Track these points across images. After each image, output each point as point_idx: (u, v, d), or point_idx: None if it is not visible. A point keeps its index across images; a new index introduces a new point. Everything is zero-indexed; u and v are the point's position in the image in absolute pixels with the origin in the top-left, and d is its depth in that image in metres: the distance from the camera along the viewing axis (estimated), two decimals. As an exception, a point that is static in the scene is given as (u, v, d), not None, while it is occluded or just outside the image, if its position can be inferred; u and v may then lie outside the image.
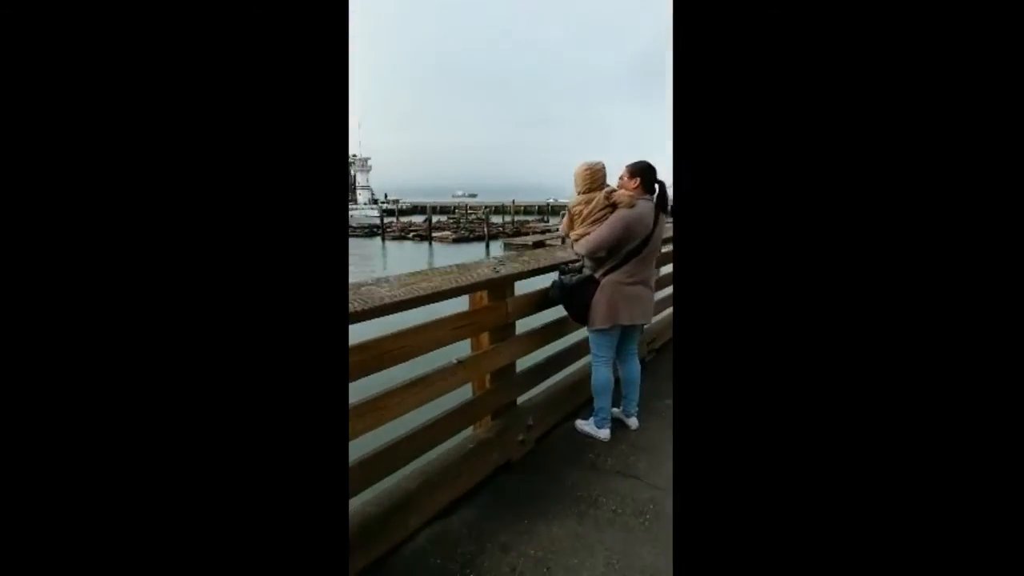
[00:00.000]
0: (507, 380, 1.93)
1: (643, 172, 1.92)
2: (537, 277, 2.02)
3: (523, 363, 2.03)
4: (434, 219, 29.66)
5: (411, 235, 26.95)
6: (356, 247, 24.60)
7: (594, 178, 1.92)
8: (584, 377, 2.25)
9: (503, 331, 1.88)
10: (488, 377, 1.87)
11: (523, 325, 1.99)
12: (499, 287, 1.84)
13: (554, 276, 2.05)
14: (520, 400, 2.04)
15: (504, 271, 1.85)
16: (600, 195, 1.88)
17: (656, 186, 1.90)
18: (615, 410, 2.17)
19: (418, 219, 33.95)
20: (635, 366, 2.11)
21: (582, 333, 2.13)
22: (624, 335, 2.05)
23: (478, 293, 1.82)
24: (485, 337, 1.85)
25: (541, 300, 2.02)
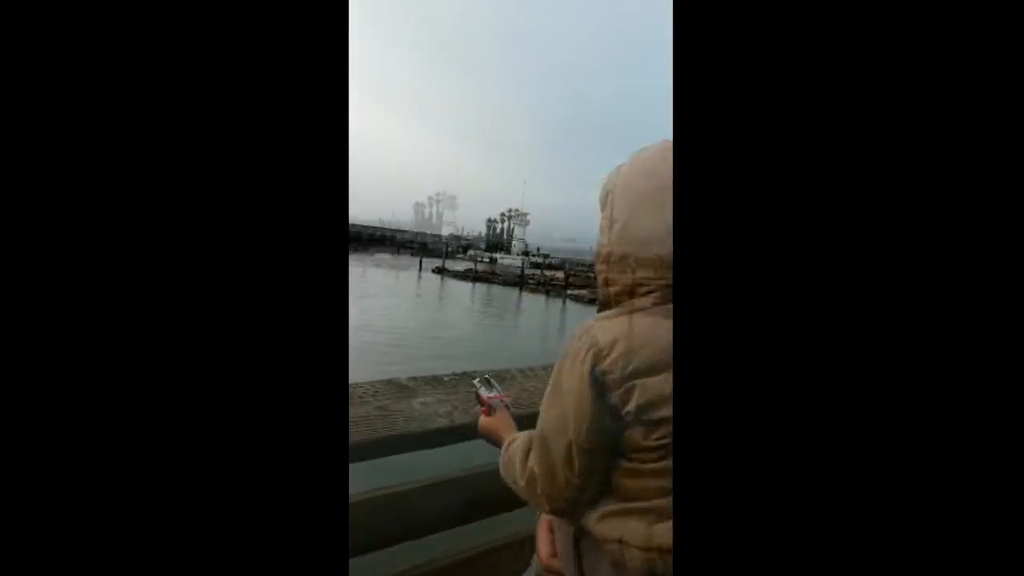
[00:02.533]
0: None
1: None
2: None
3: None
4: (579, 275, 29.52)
5: (549, 291, 26.92)
6: (495, 293, 25.63)
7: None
8: None
9: None
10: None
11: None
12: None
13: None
14: None
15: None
16: None
17: None
18: None
19: (562, 274, 34.00)
20: None
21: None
22: None
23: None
24: None
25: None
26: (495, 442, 0.77)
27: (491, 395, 0.83)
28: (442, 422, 0.88)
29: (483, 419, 0.80)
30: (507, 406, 0.82)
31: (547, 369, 1.22)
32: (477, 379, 0.88)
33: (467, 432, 0.88)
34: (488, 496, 0.92)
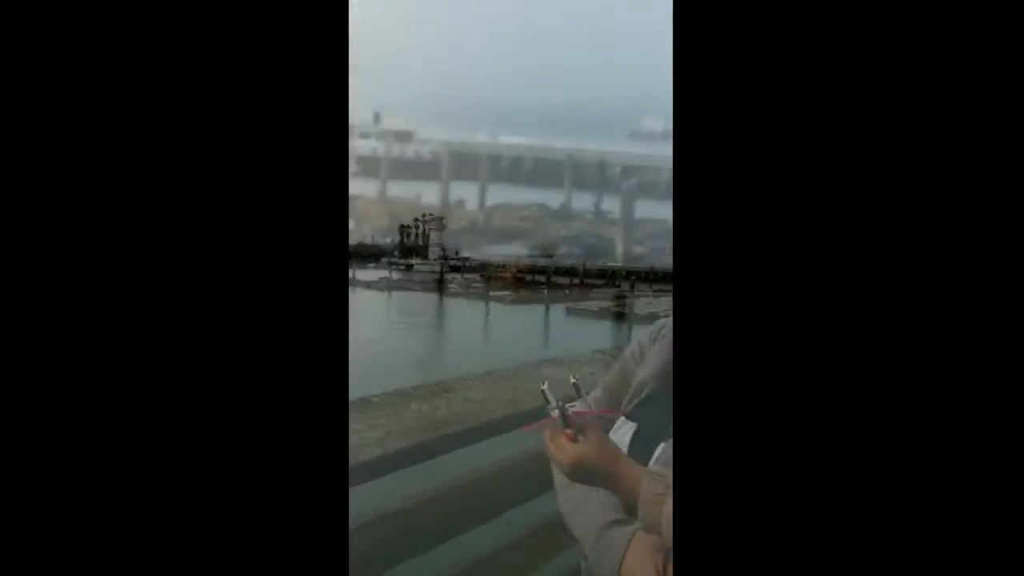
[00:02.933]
0: None
1: None
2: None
3: None
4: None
5: (471, 292, 26.93)
6: (412, 300, 25.01)
7: None
8: None
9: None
10: None
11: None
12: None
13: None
14: None
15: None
16: None
17: None
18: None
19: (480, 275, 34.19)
20: None
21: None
22: None
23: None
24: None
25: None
26: (607, 485, 0.49)
27: (577, 408, 0.50)
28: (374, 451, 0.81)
29: (572, 449, 0.48)
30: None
31: (489, 377, 1.19)
32: (546, 384, 0.50)
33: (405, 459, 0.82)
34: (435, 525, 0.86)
